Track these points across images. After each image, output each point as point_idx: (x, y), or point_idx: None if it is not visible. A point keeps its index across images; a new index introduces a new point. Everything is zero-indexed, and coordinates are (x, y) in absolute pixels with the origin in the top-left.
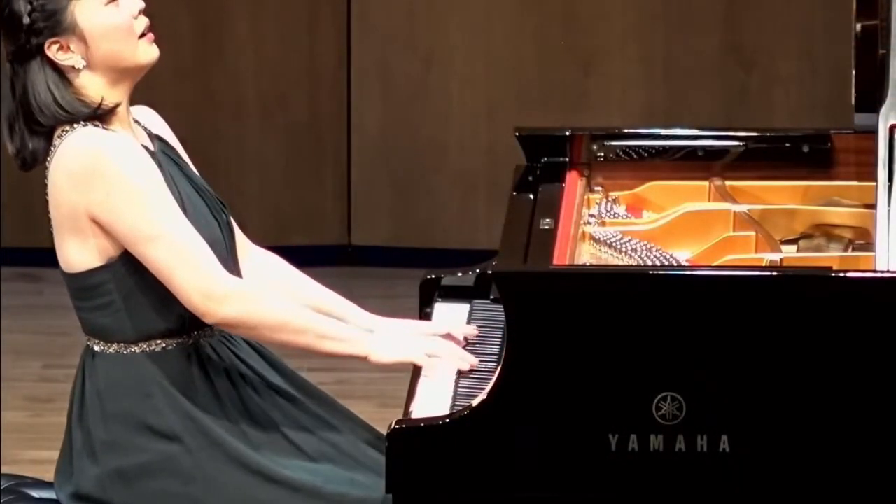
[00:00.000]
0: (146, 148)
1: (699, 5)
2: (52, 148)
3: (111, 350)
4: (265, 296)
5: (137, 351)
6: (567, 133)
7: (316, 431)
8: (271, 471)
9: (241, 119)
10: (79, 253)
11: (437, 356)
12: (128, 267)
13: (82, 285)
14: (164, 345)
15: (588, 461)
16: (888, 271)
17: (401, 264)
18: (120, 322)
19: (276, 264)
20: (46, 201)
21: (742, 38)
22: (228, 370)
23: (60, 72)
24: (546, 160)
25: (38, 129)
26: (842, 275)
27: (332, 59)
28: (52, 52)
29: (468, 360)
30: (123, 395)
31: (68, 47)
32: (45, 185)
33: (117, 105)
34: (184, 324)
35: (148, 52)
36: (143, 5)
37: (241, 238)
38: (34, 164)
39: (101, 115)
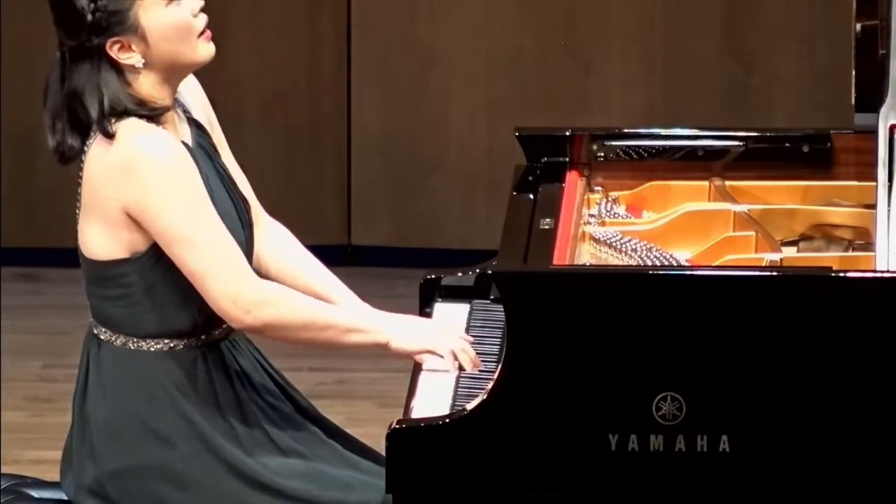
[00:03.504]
0: (185, 144)
1: (699, 5)
2: (92, 133)
3: (118, 342)
4: (289, 298)
5: (144, 347)
6: (567, 133)
7: (310, 443)
8: (267, 479)
9: (241, 119)
10: (103, 241)
11: (455, 353)
12: (151, 264)
13: (101, 274)
14: (171, 344)
15: (588, 461)
16: (888, 271)
17: (401, 264)
18: (132, 316)
19: (289, 245)
20: (78, 182)
21: (742, 38)
22: (230, 376)
23: (117, 69)
24: (546, 160)
25: (80, 125)
26: (842, 275)
27: (332, 59)
28: (113, 51)
29: (477, 364)
30: (127, 392)
31: (129, 46)
32: (80, 166)
33: (167, 108)
34: (195, 326)
35: (206, 50)
36: (202, 3)
37: (255, 207)
38: (72, 159)
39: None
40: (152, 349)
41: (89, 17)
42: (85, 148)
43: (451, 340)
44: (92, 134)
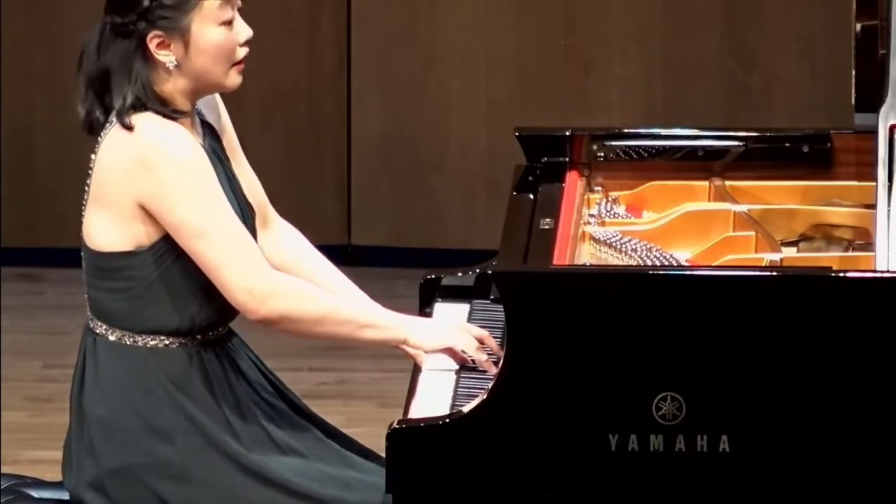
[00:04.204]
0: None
1: (699, 5)
2: (108, 124)
3: (113, 337)
4: (306, 291)
5: (140, 343)
6: (567, 133)
7: (308, 441)
8: (268, 473)
9: (241, 119)
10: (110, 233)
11: (481, 339)
12: (155, 259)
13: (103, 265)
14: (167, 342)
15: (588, 461)
16: (888, 271)
17: (401, 264)
18: (131, 310)
19: (300, 246)
20: (88, 174)
21: (742, 38)
22: (226, 373)
23: (149, 60)
24: (546, 160)
25: (104, 102)
26: (842, 275)
27: (332, 59)
28: (152, 43)
29: (498, 352)
30: (125, 388)
31: (169, 45)
32: (91, 157)
33: (186, 114)
34: (192, 327)
35: (234, 80)
36: (251, 35)
37: (267, 209)
38: (98, 132)
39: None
40: (148, 345)
41: (146, 2)
42: (98, 139)
43: (468, 336)
44: (107, 125)
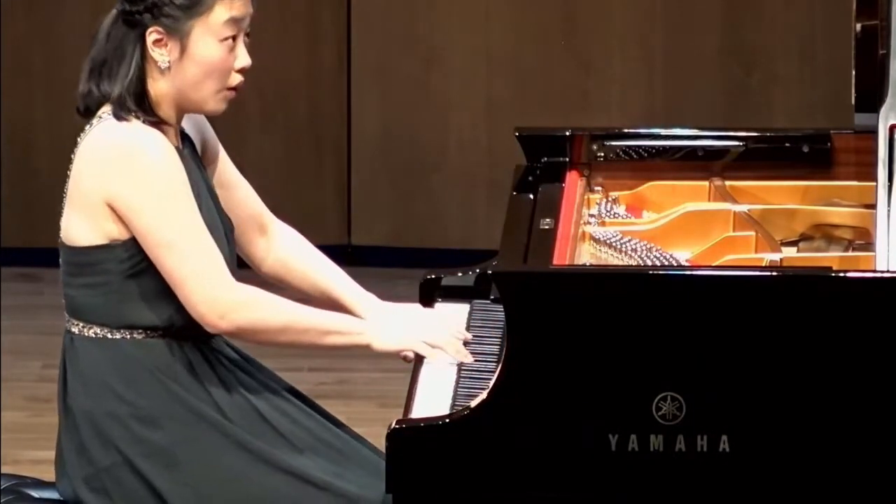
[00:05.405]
0: (177, 150)
1: (699, 5)
2: (88, 126)
3: (90, 333)
4: (265, 302)
5: (118, 336)
6: (567, 133)
7: (305, 425)
8: (261, 451)
9: (241, 119)
10: (84, 229)
11: (438, 346)
12: (130, 252)
13: (78, 260)
14: (144, 334)
15: (588, 461)
16: (888, 271)
17: (401, 264)
18: (106, 305)
19: (303, 248)
20: (64, 190)
21: (742, 38)
22: (213, 365)
23: (145, 55)
24: (546, 160)
25: (101, 88)
26: (842, 275)
27: (332, 59)
28: (150, 38)
29: (465, 354)
30: (107, 379)
31: (166, 45)
32: (71, 158)
33: (170, 124)
34: (172, 324)
35: (217, 105)
36: (249, 64)
37: (263, 214)
38: (90, 114)
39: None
40: (127, 338)
41: None
42: (78, 139)
43: (436, 335)
44: (87, 128)
